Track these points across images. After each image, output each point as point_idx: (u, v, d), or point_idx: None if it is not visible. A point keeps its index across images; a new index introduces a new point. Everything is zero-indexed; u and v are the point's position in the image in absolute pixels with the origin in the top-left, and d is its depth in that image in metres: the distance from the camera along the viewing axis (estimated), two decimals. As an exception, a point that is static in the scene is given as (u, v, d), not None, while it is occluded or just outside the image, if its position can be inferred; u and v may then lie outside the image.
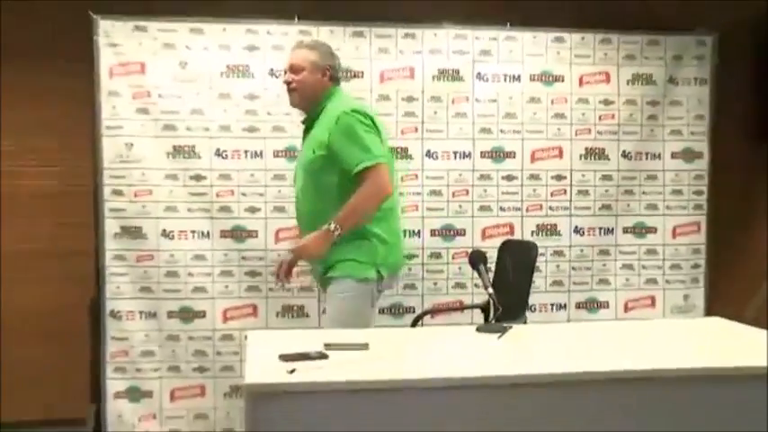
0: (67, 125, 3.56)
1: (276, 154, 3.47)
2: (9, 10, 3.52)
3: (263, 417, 1.69)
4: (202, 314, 3.41)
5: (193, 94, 3.42)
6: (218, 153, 3.43)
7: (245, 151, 3.45)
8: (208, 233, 3.43)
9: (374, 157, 2.66)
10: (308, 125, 2.88)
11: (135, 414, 3.40)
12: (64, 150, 3.60)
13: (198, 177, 3.41)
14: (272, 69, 3.47)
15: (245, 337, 2.43)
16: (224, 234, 3.43)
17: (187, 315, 3.41)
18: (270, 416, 1.69)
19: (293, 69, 2.84)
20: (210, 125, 3.43)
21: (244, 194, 3.44)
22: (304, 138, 2.90)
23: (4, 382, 3.52)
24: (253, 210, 3.45)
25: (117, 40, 3.38)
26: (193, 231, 3.41)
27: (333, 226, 2.63)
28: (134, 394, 3.41)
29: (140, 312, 3.40)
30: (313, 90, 2.82)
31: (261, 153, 3.46)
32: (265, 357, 1.92)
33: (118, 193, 3.37)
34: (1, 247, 3.54)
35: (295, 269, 2.85)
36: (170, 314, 3.40)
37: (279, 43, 3.47)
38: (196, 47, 3.45)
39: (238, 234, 3.44)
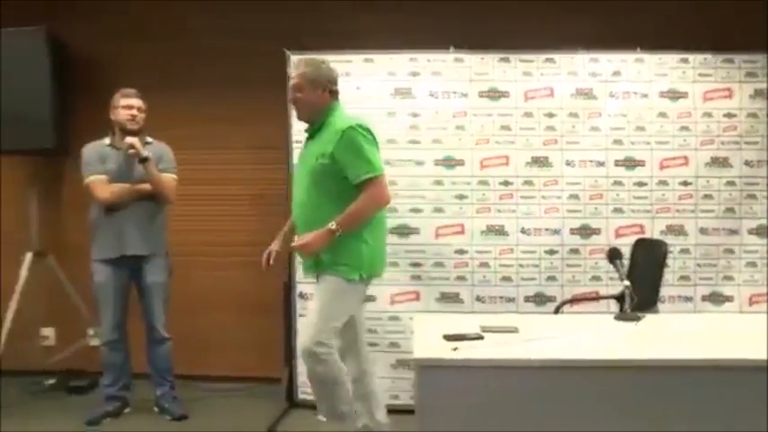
0: (265, 141, 4.47)
1: (436, 162, 4.13)
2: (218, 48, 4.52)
3: (429, 386, 2.09)
4: (373, 298, 4.04)
5: (366, 113, 4.09)
6: (386, 162, 4.07)
7: (409, 160, 4.13)
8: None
9: (375, 169, 3.06)
10: (311, 135, 3.26)
11: (317, 378, 4.15)
12: (263, 161, 4.55)
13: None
14: (431, 91, 4.16)
15: (411, 319, 2.97)
16: (392, 231, 4.03)
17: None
18: (435, 385, 2.09)
19: (295, 88, 3.21)
20: (380, 138, 4.12)
21: (408, 197, 4.11)
22: (306, 145, 3.31)
23: (217, 344, 4.58)
24: (415, 210, 4.11)
25: (304, 70, 4.19)
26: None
27: (334, 227, 3.01)
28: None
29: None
30: (314, 105, 3.19)
31: (422, 162, 4.13)
32: (429, 336, 2.33)
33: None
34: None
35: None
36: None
37: (437, 69, 4.17)
38: (368, 74, 4.17)
39: (403, 231, 4.12)
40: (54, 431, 3.83)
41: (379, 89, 4.16)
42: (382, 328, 4.10)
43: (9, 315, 4.29)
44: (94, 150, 3.94)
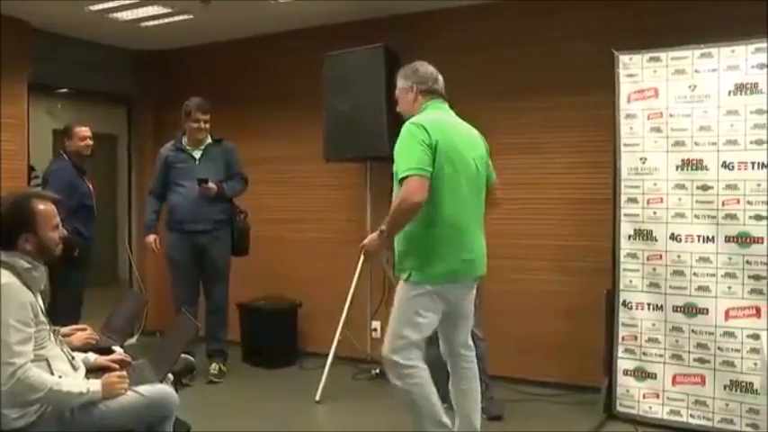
0: (591, 145, 4.59)
1: (783, 164, 3.89)
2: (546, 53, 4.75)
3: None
4: (705, 311, 3.95)
5: (701, 112, 4.01)
6: (725, 165, 3.94)
7: (752, 163, 3.91)
8: (712, 238, 3.96)
9: (409, 169, 3.03)
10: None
11: (640, 391, 4.12)
12: (588, 165, 4.68)
13: (704, 187, 3.98)
14: (780, 84, 3.90)
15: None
16: (728, 239, 3.92)
17: (691, 310, 4.00)
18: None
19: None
20: (718, 140, 3.97)
21: (749, 203, 3.90)
22: None
23: (535, 348, 4.82)
24: (758, 218, 3.88)
25: (634, 70, 4.19)
26: (699, 236, 3.99)
27: (383, 227, 3.15)
28: (640, 374, 4.14)
29: (648, 304, 4.12)
30: (404, 108, 3.40)
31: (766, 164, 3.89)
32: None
33: (632, 200, 4.17)
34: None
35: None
36: (675, 308, 4.04)
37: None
38: (704, 70, 4.03)
39: (743, 240, 3.92)
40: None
41: (718, 86, 3.99)
42: (714, 344, 3.95)
43: (345, 306, 4.94)
44: None
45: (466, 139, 3.31)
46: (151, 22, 5.62)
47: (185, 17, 5.49)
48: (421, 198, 3.04)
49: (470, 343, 3.49)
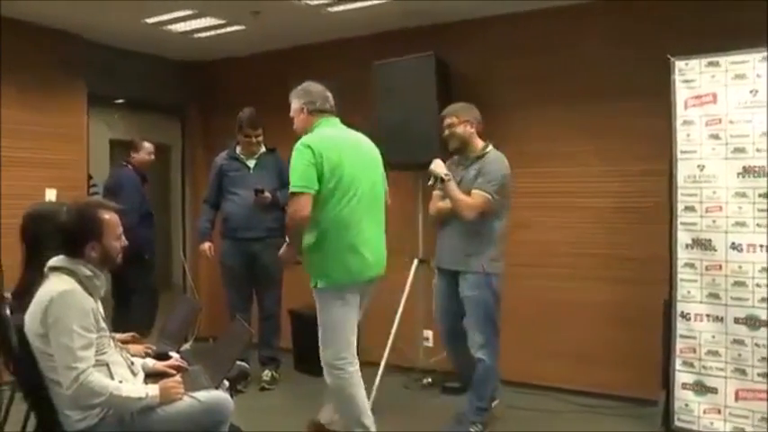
0: (650, 152, 4.58)
1: None
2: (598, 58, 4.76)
3: None
4: (768, 323, 3.90)
5: (763, 118, 3.94)
6: (785, 179, 3.89)
7: (818, 173, 3.83)
8: (776, 248, 3.91)
9: (294, 186, 3.44)
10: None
11: (700, 406, 4.07)
12: (637, 173, 4.71)
13: (767, 195, 3.92)
14: None
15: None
16: None
17: (753, 323, 3.92)
18: None
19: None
20: (768, 150, 3.91)
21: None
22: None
23: (590, 358, 4.81)
24: None
25: (691, 76, 4.15)
26: (762, 245, 3.91)
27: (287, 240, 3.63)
28: (699, 388, 4.08)
29: (707, 315, 4.06)
30: (298, 127, 3.73)
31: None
32: None
33: (690, 208, 4.12)
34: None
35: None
36: (736, 320, 3.97)
37: None
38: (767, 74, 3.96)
39: None
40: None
41: (780, 91, 3.93)
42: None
43: (397, 316, 4.99)
44: None
45: (356, 150, 3.68)
46: (204, 34, 5.80)
47: (237, 28, 5.64)
48: (306, 213, 3.46)
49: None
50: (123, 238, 2.86)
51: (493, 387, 4.24)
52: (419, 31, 5.51)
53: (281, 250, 3.78)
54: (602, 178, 4.92)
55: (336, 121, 3.76)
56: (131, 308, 5.40)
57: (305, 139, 3.58)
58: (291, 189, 3.49)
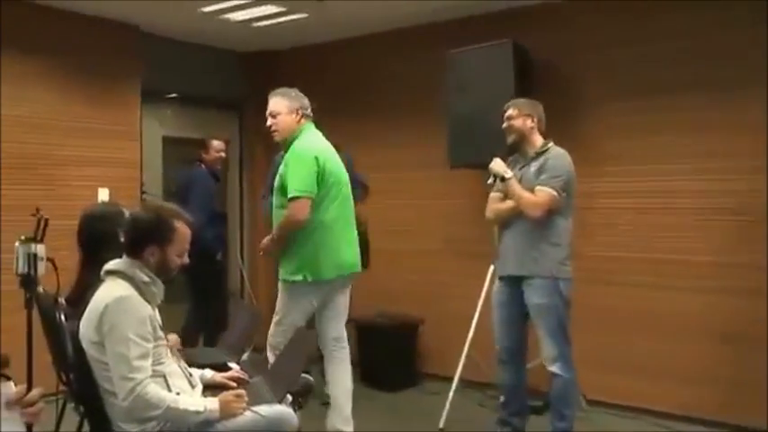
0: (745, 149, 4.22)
1: None
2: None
3: None
4: None
5: None
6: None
7: None
8: None
9: (296, 190, 3.70)
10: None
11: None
12: (741, 171, 4.30)
13: None
14: None
15: None
16: None
17: None
18: None
19: (271, 114, 3.90)
20: None
21: None
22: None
23: (679, 376, 4.38)
24: None
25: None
26: None
27: (273, 234, 3.90)
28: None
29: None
30: (284, 127, 3.89)
31: None
32: None
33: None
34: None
35: None
36: None
37: None
38: None
39: None
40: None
41: None
42: None
43: (472, 325, 4.65)
44: None
45: (335, 156, 3.97)
46: (264, 22, 5.56)
47: (300, 16, 5.39)
48: (305, 216, 3.74)
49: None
50: (186, 256, 2.73)
51: (574, 403, 3.89)
52: (497, 17, 5.18)
53: (265, 240, 4.02)
54: (692, 177, 4.50)
55: (313, 126, 4.00)
56: (210, 310, 5.39)
57: (308, 147, 3.84)
58: (293, 193, 3.73)
